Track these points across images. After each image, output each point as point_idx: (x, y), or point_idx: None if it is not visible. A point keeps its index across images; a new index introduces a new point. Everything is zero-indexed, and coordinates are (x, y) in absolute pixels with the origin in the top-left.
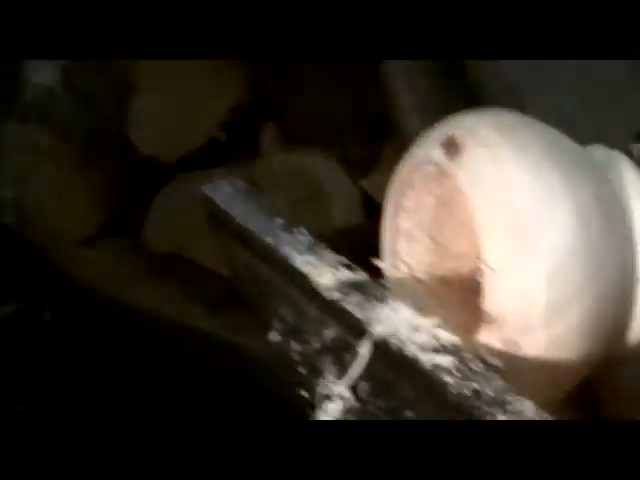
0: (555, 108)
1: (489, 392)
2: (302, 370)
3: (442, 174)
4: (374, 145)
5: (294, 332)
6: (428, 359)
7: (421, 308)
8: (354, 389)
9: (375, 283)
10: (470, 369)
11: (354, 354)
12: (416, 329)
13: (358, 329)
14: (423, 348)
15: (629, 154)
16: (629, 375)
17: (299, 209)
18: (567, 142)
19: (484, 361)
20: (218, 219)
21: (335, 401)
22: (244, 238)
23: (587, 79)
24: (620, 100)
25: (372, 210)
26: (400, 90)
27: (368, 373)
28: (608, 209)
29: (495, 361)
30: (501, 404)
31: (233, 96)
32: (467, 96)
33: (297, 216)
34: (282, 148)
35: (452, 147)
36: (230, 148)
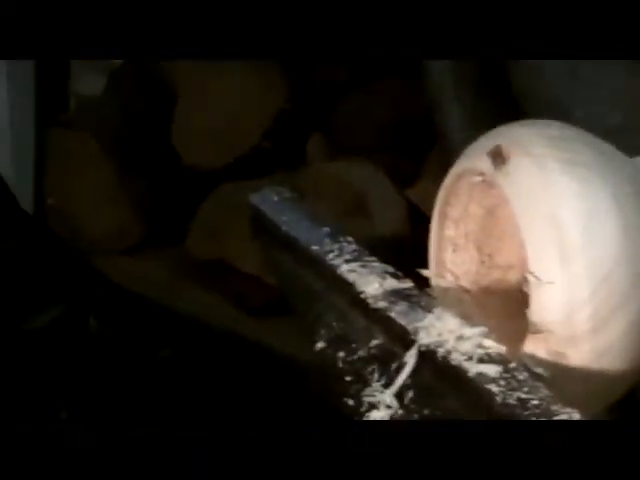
0: (601, 119)
1: (535, 402)
2: (348, 378)
3: (488, 184)
4: (420, 155)
5: (340, 340)
6: (474, 368)
7: (467, 318)
8: (400, 397)
9: (421, 292)
10: (516, 379)
11: (400, 363)
12: (462, 338)
13: (404, 338)
14: (469, 357)
15: None
16: None
17: (345, 218)
18: (614, 153)
19: (530, 371)
20: (264, 227)
21: (381, 409)
22: (290, 246)
23: (633, 89)
24: None
25: (418, 220)
26: (446, 100)
27: (413, 382)
28: None
29: (541, 371)
30: (548, 414)
31: (277, 105)
32: (512, 107)
33: (343, 225)
34: (328, 158)
35: (498, 157)
36: (276, 157)
